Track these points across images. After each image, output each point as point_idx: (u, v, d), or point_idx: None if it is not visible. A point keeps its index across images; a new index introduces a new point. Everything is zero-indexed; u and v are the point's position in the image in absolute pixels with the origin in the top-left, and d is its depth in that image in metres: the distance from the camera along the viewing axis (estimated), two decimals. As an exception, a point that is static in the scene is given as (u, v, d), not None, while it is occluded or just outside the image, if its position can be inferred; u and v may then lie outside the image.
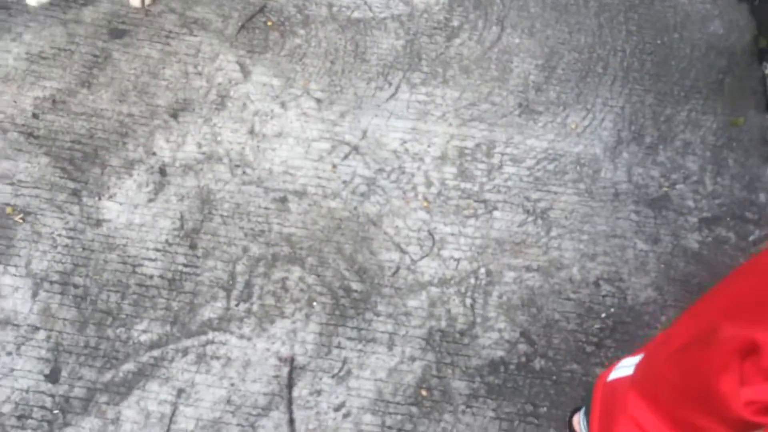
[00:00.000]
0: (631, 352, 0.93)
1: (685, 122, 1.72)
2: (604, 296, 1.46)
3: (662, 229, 1.55)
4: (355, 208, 1.52)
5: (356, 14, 1.81)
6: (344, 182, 1.55)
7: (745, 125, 1.72)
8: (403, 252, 1.48)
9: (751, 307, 0.57)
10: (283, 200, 1.52)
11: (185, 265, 1.44)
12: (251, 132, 1.60)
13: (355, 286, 1.44)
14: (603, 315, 1.43)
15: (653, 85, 1.79)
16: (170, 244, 1.46)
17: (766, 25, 1.95)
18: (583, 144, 1.67)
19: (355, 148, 1.60)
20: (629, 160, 1.65)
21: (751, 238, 1.54)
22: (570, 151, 1.65)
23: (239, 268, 1.45)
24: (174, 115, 1.61)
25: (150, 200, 1.51)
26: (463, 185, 1.58)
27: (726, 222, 1.57)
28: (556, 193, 1.59)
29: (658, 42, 1.88)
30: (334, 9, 1.81)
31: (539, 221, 1.55)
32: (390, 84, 1.71)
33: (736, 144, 1.69)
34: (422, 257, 1.47)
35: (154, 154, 1.57)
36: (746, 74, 1.82)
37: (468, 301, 1.43)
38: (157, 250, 1.45)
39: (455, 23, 1.84)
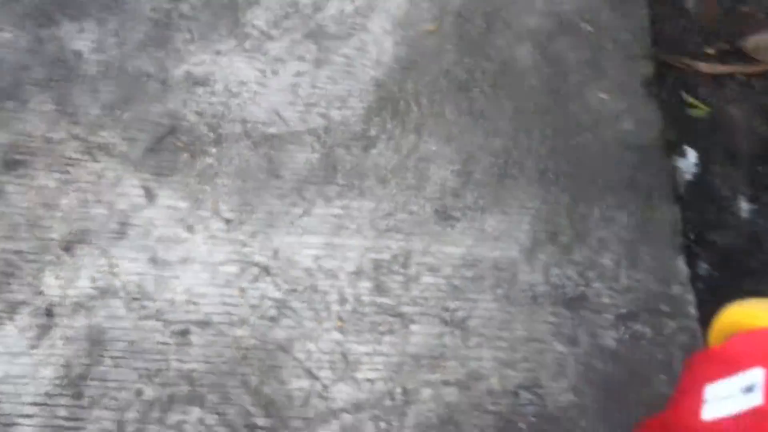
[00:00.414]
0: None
1: (599, 220, 1.92)
2: (523, 405, 1.59)
3: (579, 330, 1.71)
4: (264, 335, 1.65)
5: (271, 129, 2.01)
6: (252, 307, 1.69)
7: (657, 219, 1.93)
8: (315, 378, 1.60)
9: None
10: (184, 333, 1.64)
11: (67, 419, 1.50)
12: (153, 260, 1.74)
13: (260, 422, 1.54)
14: (523, 426, 1.56)
15: (568, 185, 2.00)
16: (51, 396, 1.51)
17: (672, 119, 2.21)
18: (500, 248, 1.85)
19: (265, 269, 1.75)
20: (546, 261, 1.83)
21: (666, 332, 1.71)
22: (488, 256, 1.83)
23: (130, 415, 1.52)
24: (67, 249, 1.73)
25: (32, 347, 1.57)
26: (379, 300, 1.73)
27: (642, 317, 1.73)
28: (474, 300, 1.75)
29: (572, 143, 2.11)
30: (248, 125, 2.01)
31: (457, 332, 1.69)
32: (304, 199, 1.88)
33: (650, 238, 1.89)
34: (335, 382, 1.60)
35: (41, 293, 1.65)
36: (657, 169, 2.05)
37: (382, 425, 1.55)
38: (36, 404, 1.50)
39: (372, 133, 2.05)
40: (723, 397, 0.64)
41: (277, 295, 1.71)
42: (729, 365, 0.68)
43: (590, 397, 1.60)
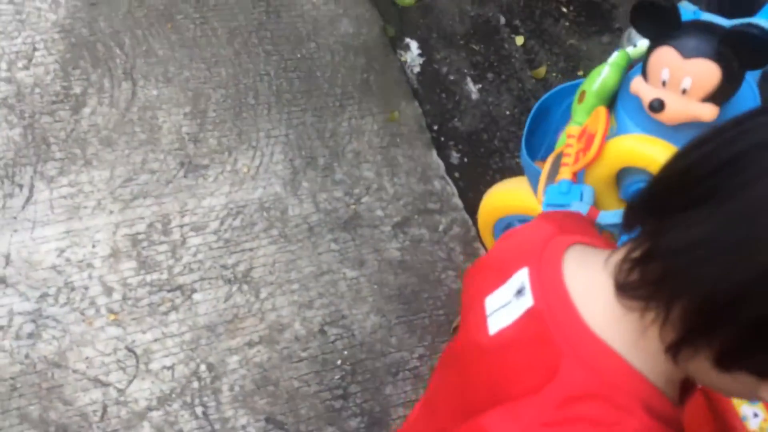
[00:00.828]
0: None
1: (348, 132, 2.03)
2: (333, 341, 1.69)
3: (363, 249, 1.83)
4: (28, 356, 1.51)
5: (-54, 113, 1.74)
6: (2, 328, 1.52)
7: (400, 118, 2.10)
8: (105, 385, 1.51)
9: (466, 402, 0.70)
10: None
11: None
12: None
13: (62, 449, 1.44)
14: (339, 362, 1.67)
15: (308, 102, 2.06)
16: None
17: (389, 14, 2.37)
18: (261, 187, 1.87)
19: (2, 280, 1.57)
20: (311, 188, 1.90)
21: (440, 228, 1.92)
22: (251, 198, 1.84)
23: None
24: None
25: None
26: (149, 278, 1.66)
27: (415, 220, 1.91)
28: (252, 249, 1.77)
29: (298, 56, 2.15)
30: None
31: (244, 287, 1.71)
32: (20, 186, 1.69)
33: (400, 139, 2.06)
34: (129, 382, 1.53)
35: None
36: (386, 67, 2.20)
37: (199, 410, 1.54)
38: None
39: (77, 90, 1.88)
40: (501, 306, 0.62)
41: (27, 306, 1.55)
42: (499, 272, 0.66)
43: (392, 313, 1.75)
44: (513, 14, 2.36)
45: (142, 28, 2.03)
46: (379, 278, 1.77)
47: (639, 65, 1.08)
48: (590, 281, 0.58)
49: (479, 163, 2.04)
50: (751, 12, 1.16)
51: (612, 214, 1.02)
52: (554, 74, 2.24)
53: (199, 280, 1.68)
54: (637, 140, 1.04)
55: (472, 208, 1.89)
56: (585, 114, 1.12)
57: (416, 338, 1.69)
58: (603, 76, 1.10)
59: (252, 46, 2.10)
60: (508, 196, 1.57)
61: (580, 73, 2.25)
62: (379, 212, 1.88)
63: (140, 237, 1.70)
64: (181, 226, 1.74)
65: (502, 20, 2.34)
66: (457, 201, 1.92)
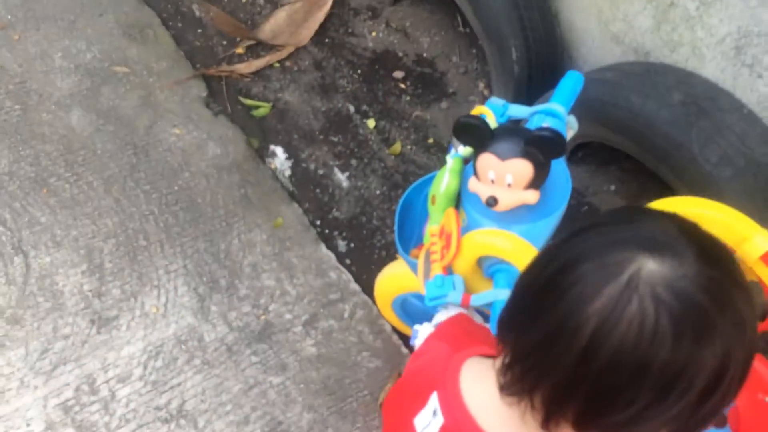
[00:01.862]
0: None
1: (241, 248, 2.14)
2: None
3: (282, 354, 1.94)
4: None
5: None
6: None
7: (285, 222, 2.23)
8: None
9: None
10: None
11: None
12: None
13: None
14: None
15: (196, 229, 2.16)
16: None
17: (249, 127, 2.52)
18: (173, 322, 1.95)
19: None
20: (220, 310, 2.00)
21: (346, 315, 2.06)
22: (166, 336, 1.91)
23: None
24: None
25: None
26: (90, 441, 1.70)
27: (322, 314, 2.04)
28: (179, 384, 1.84)
29: (176, 188, 2.26)
30: None
31: (182, 422, 1.78)
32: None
33: (289, 242, 2.19)
34: None
35: None
36: (259, 178, 2.34)
37: None
38: None
39: (-31, 277, 1.90)
40: (426, 426, 0.75)
41: None
42: (418, 396, 0.79)
43: (322, 406, 1.86)
44: (359, 101, 2.56)
45: (19, 200, 2.08)
46: (302, 377, 1.88)
47: (471, 164, 1.27)
48: (484, 392, 0.75)
49: (365, 245, 2.19)
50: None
51: (482, 296, 1.20)
52: (408, 147, 2.44)
53: (137, 428, 1.73)
54: (485, 234, 1.22)
55: (368, 289, 2.04)
56: (439, 214, 1.30)
57: (349, 423, 1.81)
58: (445, 182, 1.28)
59: (130, 190, 2.19)
60: (398, 280, 1.72)
61: (431, 140, 2.46)
62: (288, 315, 1.99)
63: (70, 403, 1.74)
64: (107, 381, 1.79)
65: (352, 109, 2.54)
66: (354, 286, 2.07)
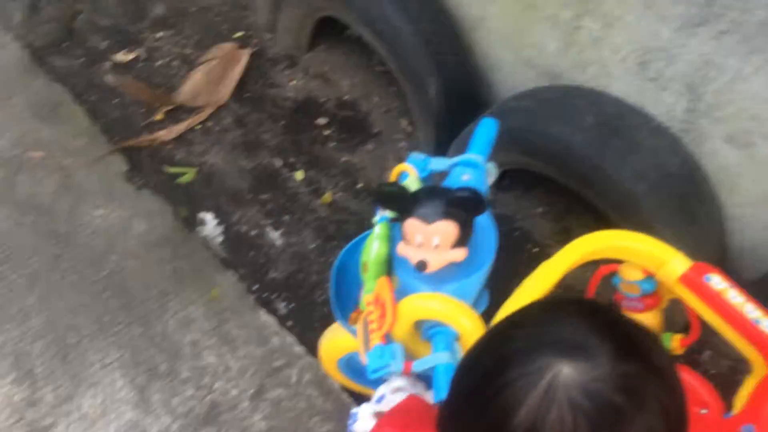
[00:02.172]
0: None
1: (178, 328, 2.07)
2: None
3: (231, 434, 1.87)
4: None
5: None
6: None
7: (221, 293, 2.17)
8: None
9: None
10: None
11: None
12: None
13: None
14: None
15: (129, 315, 2.08)
16: None
17: (175, 196, 2.44)
18: (113, 420, 1.86)
19: None
20: (162, 398, 1.92)
21: (293, 381, 1.99)
22: (107, 434, 1.83)
23: None
24: None
25: None
26: None
27: (269, 383, 1.97)
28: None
29: (104, 274, 2.17)
30: None
31: None
32: None
33: (227, 313, 2.12)
34: None
35: None
36: (190, 249, 2.27)
37: None
38: None
39: None
40: None
41: None
42: None
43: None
44: (285, 153, 2.52)
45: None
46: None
47: (398, 227, 1.25)
48: None
49: (305, 304, 2.14)
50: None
51: (422, 362, 1.19)
52: (339, 194, 2.40)
53: None
54: (418, 299, 1.22)
55: (313, 348, 1.99)
56: (372, 282, 1.27)
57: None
58: (375, 249, 1.26)
59: (55, 284, 2.11)
60: (341, 342, 1.67)
61: (360, 184, 2.42)
62: (234, 392, 1.93)
63: None
64: (49, 496, 1.70)
65: (278, 163, 2.49)
66: (299, 348, 2.01)
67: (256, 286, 2.19)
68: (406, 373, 1.22)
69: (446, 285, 1.24)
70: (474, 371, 0.71)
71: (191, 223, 2.34)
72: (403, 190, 1.21)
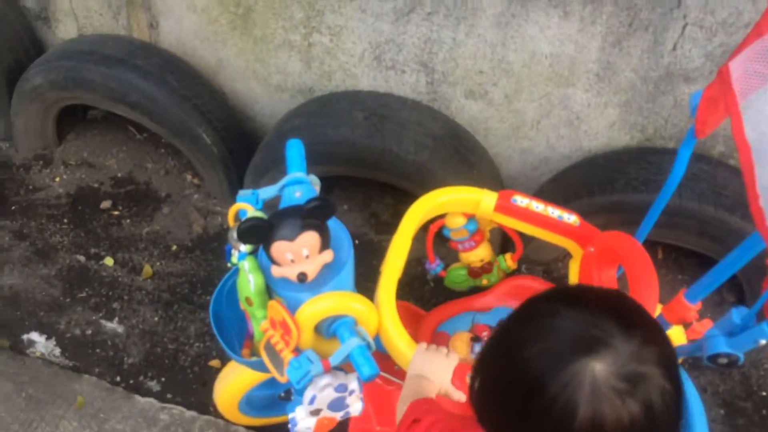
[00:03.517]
0: None
1: None
2: None
3: None
4: None
5: None
6: None
7: (86, 398, 2.13)
8: None
9: None
10: None
11: None
12: None
13: None
14: None
15: (3, 460, 1.97)
16: None
17: (-9, 332, 2.31)
18: None
19: None
20: None
21: (197, 442, 2.04)
22: None
23: None
24: None
25: None
26: None
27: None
28: None
29: (-45, 434, 2.02)
30: None
31: None
32: None
33: (104, 412, 2.09)
34: None
35: None
36: (32, 372, 2.18)
37: None
38: None
39: None
40: None
41: None
42: None
43: None
44: (84, 247, 2.50)
45: None
46: None
47: (262, 253, 1.37)
48: None
49: (175, 372, 2.19)
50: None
51: (338, 354, 1.33)
52: (158, 263, 2.44)
53: None
54: (311, 305, 1.34)
55: (204, 406, 2.06)
56: (262, 310, 1.39)
57: None
58: (252, 282, 1.37)
59: None
60: (235, 385, 1.76)
61: (174, 247, 2.48)
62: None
63: None
64: None
65: (82, 258, 2.46)
66: (190, 413, 2.06)
67: (117, 378, 2.18)
68: (328, 369, 1.37)
69: (327, 285, 1.37)
70: (512, 393, 0.75)
71: (21, 349, 2.24)
72: (261, 221, 1.30)
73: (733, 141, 2.03)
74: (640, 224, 1.60)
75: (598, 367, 0.70)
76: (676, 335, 1.68)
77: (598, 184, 2.02)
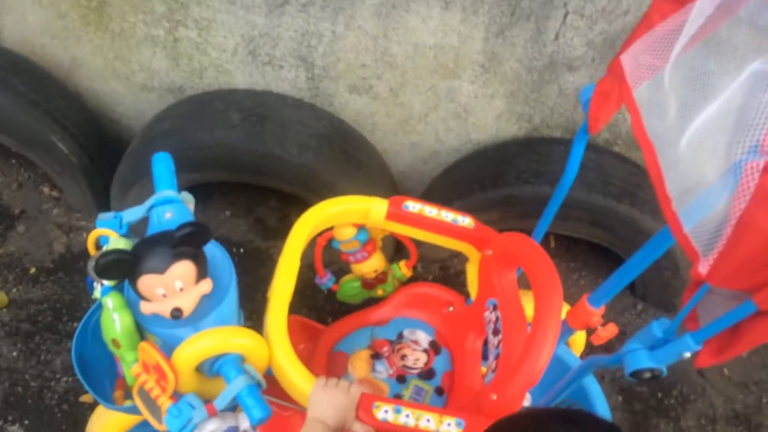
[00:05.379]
0: None
1: None
2: None
3: None
4: None
5: None
6: None
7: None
8: None
9: None
10: None
11: None
12: None
13: None
14: None
15: None
16: None
17: None
18: None
19: None
20: None
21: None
22: None
23: None
24: None
25: None
26: None
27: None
28: None
29: None
30: None
31: None
32: None
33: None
34: None
35: None
36: None
37: None
38: None
39: None
40: None
41: None
42: None
43: None
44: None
45: None
46: None
47: (128, 290, 1.22)
48: None
49: (40, 412, 2.00)
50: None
51: (223, 397, 1.21)
52: (14, 290, 2.22)
53: None
54: (188, 347, 1.20)
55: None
56: (132, 353, 1.24)
57: None
58: (118, 321, 1.21)
59: None
60: (113, 423, 1.61)
61: (33, 269, 2.26)
62: None
63: None
64: None
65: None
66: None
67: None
68: (213, 414, 1.24)
69: (206, 318, 1.23)
70: None
71: None
72: (123, 254, 1.15)
73: (617, 128, 2.09)
74: (533, 216, 1.58)
75: None
76: (579, 340, 1.67)
77: (490, 179, 1.99)
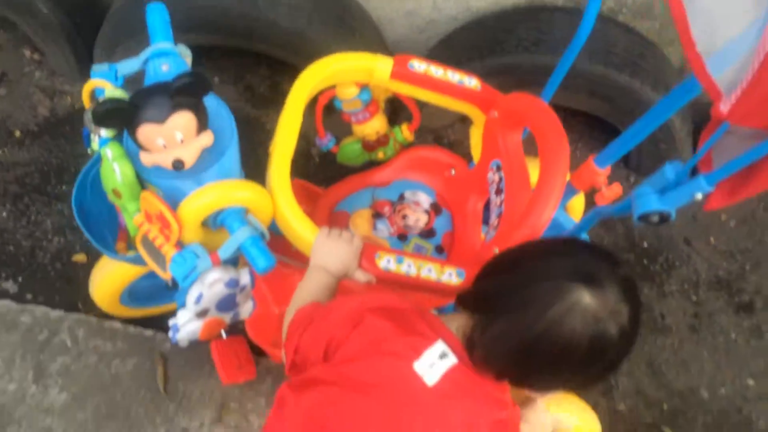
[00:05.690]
0: None
1: None
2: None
3: (37, 423, 1.76)
4: None
5: None
6: None
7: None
8: None
9: None
10: None
11: None
12: None
13: None
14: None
15: None
16: None
17: None
18: None
19: None
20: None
21: (69, 344, 1.89)
22: None
23: None
24: None
25: None
26: None
27: (44, 361, 1.85)
28: None
29: None
30: None
31: None
32: None
33: None
34: None
35: None
36: None
37: None
38: None
39: None
40: (430, 367, 0.94)
41: None
42: (415, 347, 0.98)
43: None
44: None
45: None
46: (75, 425, 1.74)
47: (128, 140, 1.20)
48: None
49: (34, 270, 2.00)
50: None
51: (227, 247, 1.22)
52: (0, 152, 2.17)
53: None
54: (194, 201, 1.19)
55: (71, 304, 1.91)
56: (134, 203, 1.23)
57: (151, 427, 1.76)
58: (118, 171, 1.19)
59: None
60: (115, 277, 1.62)
61: (18, 132, 2.21)
62: (12, 386, 1.79)
63: None
64: None
65: None
66: (55, 313, 1.89)
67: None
68: (217, 263, 1.25)
69: (208, 171, 1.22)
70: (514, 281, 0.96)
71: None
72: (121, 102, 1.12)
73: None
74: (532, 85, 1.55)
75: (587, 299, 0.88)
76: (578, 206, 1.69)
77: (489, 47, 1.95)
